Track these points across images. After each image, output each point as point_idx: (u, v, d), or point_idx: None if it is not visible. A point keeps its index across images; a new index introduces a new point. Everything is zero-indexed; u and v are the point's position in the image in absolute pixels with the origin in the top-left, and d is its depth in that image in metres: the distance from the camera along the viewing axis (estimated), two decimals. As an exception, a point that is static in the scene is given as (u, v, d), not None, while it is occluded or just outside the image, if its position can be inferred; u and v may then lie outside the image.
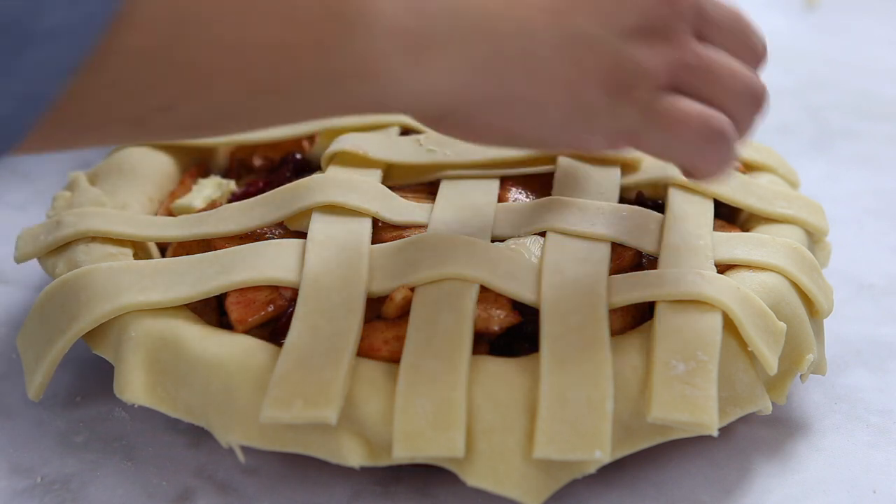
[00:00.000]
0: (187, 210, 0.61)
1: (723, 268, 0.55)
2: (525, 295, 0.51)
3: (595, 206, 0.57)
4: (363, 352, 0.50)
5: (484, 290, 0.51)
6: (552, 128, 0.47)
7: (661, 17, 0.47)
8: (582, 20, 0.46)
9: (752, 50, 0.51)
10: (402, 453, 0.47)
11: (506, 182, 0.60)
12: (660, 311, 0.51)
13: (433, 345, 0.49)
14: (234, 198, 0.63)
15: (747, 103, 0.50)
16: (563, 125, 0.47)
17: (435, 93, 0.44)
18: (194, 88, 0.40)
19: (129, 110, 0.40)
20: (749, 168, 0.65)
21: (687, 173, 0.51)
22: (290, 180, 0.61)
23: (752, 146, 0.66)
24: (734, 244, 0.56)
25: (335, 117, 0.47)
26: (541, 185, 0.60)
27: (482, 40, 0.44)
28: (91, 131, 0.41)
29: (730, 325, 0.51)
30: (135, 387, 0.50)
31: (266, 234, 0.57)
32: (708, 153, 0.49)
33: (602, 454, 0.46)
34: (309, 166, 0.65)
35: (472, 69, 0.44)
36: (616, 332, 0.51)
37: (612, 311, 0.51)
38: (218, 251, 0.55)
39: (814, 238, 0.61)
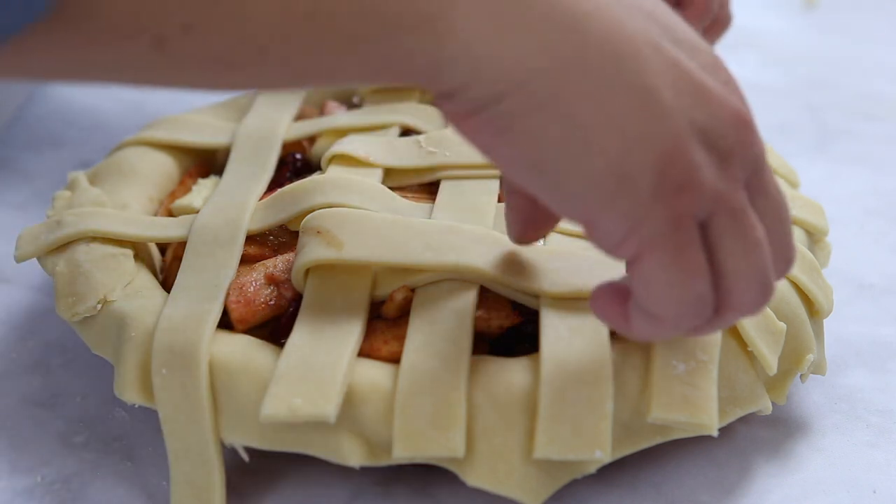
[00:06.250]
0: (187, 210, 0.61)
1: (723, 268, 0.55)
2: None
3: (595, 206, 0.57)
4: (363, 352, 0.50)
5: (484, 290, 0.51)
6: (578, 180, 0.40)
7: (725, 137, 0.41)
8: (666, 82, 0.40)
9: (782, 253, 0.44)
10: (402, 453, 0.47)
11: (506, 182, 0.60)
12: (660, 311, 0.51)
13: (433, 345, 0.49)
14: (234, 198, 0.62)
15: (755, 293, 0.43)
16: (590, 185, 0.40)
17: (500, 68, 0.39)
18: (216, 3, 0.36)
19: (144, 22, 0.36)
20: (749, 168, 0.64)
21: (636, 328, 0.44)
22: (290, 181, 0.61)
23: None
24: (734, 244, 0.56)
25: (366, 79, 0.41)
26: (541, 185, 0.60)
27: (572, 39, 0.39)
28: (102, 46, 0.36)
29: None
30: (135, 387, 0.50)
31: (268, 234, 0.57)
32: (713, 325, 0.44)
33: (602, 454, 0.46)
34: (309, 167, 0.65)
35: (551, 58, 0.39)
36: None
37: (612, 311, 0.51)
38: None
39: (814, 238, 0.61)
